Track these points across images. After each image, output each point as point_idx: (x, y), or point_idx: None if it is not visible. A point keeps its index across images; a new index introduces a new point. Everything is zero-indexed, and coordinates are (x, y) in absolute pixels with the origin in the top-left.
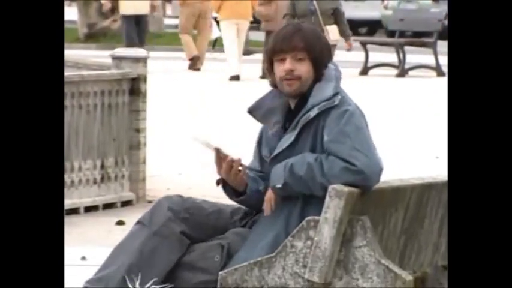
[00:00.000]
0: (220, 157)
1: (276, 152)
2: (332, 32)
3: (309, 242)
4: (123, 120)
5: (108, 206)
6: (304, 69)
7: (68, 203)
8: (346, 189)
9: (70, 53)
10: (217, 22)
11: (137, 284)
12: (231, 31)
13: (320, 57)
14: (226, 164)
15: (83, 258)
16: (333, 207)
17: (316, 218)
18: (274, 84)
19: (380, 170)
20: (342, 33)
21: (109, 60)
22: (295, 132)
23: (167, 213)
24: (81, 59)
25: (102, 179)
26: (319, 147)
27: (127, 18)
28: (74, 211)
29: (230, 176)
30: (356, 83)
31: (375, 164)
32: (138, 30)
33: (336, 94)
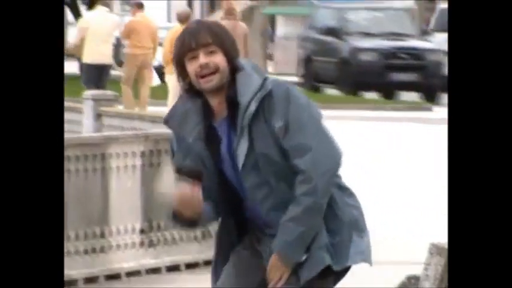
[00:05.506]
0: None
1: (240, 164)
2: None
3: None
4: None
5: (209, 263)
6: (218, 60)
7: (168, 260)
8: (447, 246)
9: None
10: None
11: None
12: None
13: (231, 48)
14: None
15: None
16: (433, 265)
17: (417, 275)
18: (185, 88)
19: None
20: None
21: None
22: (245, 135)
23: None
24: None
25: (203, 236)
26: (278, 134)
27: (88, 66)
28: (175, 268)
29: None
30: None
31: (328, 154)
32: (99, 79)
33: (264, 80)
